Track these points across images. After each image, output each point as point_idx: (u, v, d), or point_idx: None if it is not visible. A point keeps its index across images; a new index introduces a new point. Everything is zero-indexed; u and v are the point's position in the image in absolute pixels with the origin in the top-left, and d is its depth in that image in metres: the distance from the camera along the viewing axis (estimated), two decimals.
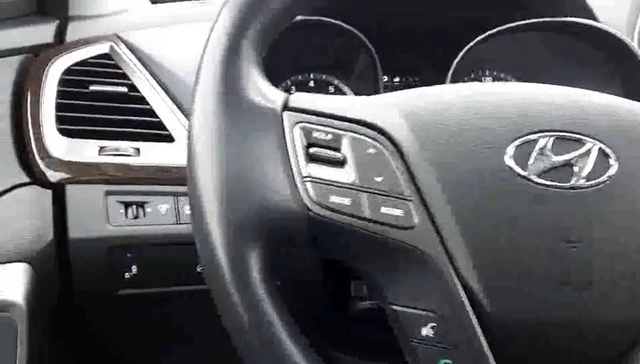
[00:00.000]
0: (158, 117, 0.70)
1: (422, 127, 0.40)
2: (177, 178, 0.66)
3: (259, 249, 0.38)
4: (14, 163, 0.62)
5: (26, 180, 0.61)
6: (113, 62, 0.73)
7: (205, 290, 0.68)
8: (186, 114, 0.71)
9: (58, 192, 0.62)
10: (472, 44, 0.76)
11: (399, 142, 0.40)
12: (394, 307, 0.40)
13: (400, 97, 0.43)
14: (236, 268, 0.38)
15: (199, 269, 0.65)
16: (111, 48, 0.74)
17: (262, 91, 0.42)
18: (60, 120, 0.66)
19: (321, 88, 0.88)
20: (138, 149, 0.67)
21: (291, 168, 0.39)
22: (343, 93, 0.88)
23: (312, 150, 0.40)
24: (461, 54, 0.76)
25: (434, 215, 0.39)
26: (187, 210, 0.65)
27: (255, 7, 0.42)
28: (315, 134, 0.40)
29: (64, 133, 0.65)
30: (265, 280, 0.38)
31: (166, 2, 1.10)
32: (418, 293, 0.39)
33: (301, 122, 0.40)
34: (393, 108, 0.41)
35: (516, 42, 0.79)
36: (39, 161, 0.62)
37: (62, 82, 0.69)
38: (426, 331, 0.39)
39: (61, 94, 0.68)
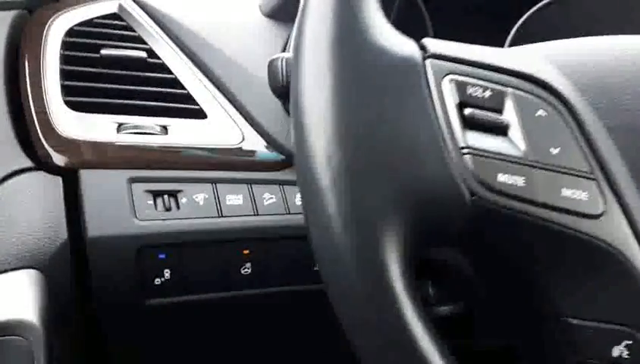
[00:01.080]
0: (185, 89, 0.58)
1: (601, 85, 0.31)
2: (214, 162, 0.55)
3: (399, 236, 0.28)
4: (11, 144, 0.49)
5: (29, 164, 0.49)
6: (124, 23, 0.60)
7: (254, 295, 0.58)
8: (218, 85, 0.59)
9: (70, 179, 0.50)
10: (534, 9, 0.67)
11: (574, 104, 0.30)
12: (573, 321, 0.30)
13: (559, 48, 0.33)
14: (368, 258, 0.27)
15: (244, 272, 0.54)
16: (120, 7, 0.61)
17: (390, 34, 0.31)
18: (67, 90, 0.53)
19: None
20: (165, 127, 0.55)
21: (443, 136, 0.29)
22: None
23: (467, 112, 0.30)
24: (523, 18, 0.68)
25: (625, 200, 0.29)
26: (229, 200, 0.54)
27: None
28: (470, 90, 0.30)
29: (73, 106, 0.52)
30: (403, 274, 0.28)
31: None
32: (608, 301, 0.30)
33: (451, 73, 0.30)
34: (559, 61, 0.32)
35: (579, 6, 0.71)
36: (44, 141, 0.49)
37: (66, 45, 0.56)
38: (618, 350, 0.29)
39: (65, 59, 0.55)
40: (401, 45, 0.31)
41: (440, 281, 0.61)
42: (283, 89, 0.46)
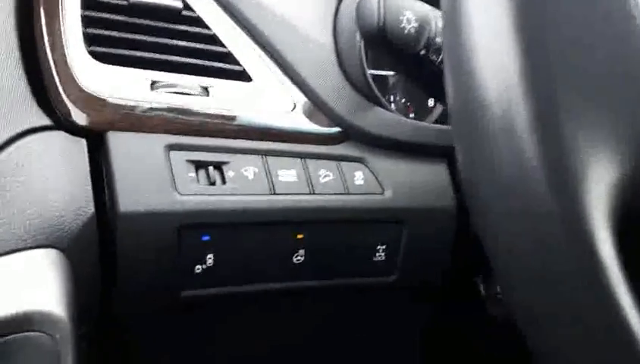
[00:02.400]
0: (226, 47, 0.49)
1: None
2: (264, 132, 0.47)
3: (614, 209, 0.21)
4: (23, 96, 0.40)
5: (46, 122, 0.40)
6: None
7: (306, 288, 0.50)
8: (264, 44, 0.51)
9: (96, 142, 0.41)
10: None
11: None
12: None
13: None
14: (578, 235, 0.20)
15: (296, 260, 0.46)
16: None
17: None
18: (89, 39, 0.44)
19: None
20: (206, 89, 0.46)
21: None
22: None
23: None
24: None
25: None
26: (281, 176, 0.45)
27: None
28: None
29: (98, 57, 0.43)
30: (617, 255, 0.21)
31: None
32: None
33: None
34: None
35: None
36: (64, 95, 0.40)
37: None
38: None
39: (87, 4, 0.46)
40: None
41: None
42: (379, 30, 0.38)
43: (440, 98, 0.48)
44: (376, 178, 0.49)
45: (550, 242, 0.20)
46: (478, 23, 0.22)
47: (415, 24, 0.38)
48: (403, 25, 0.38)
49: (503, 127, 0.21)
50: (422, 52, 0.39)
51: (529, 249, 0.21)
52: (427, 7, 0.40)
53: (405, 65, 0.42)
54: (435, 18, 0.42)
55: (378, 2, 0.39)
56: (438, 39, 0.40)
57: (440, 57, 0.40)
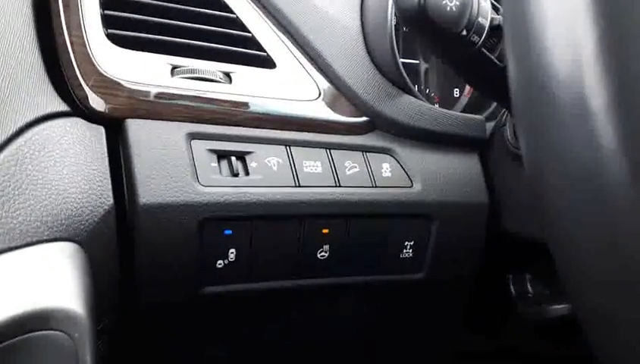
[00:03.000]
0: (250, 32, 0.47)
1: None
2: (289, 120, 0.45)
3: None
4: (40, 80, 0.38)
5: (63, 108, 0.38)
6: None
7: (329, 285, 0.48)
8: (288, 29, 0.48)
9: (115, 130, 0.39)
10: None
11: None
12: None
13: None
14: None
15: (320, 255, 0.44)
16: None
17: None
18: (108, 21, 0.42)
19: None
20: (229, 75, 0.44)
21: None
22: None
23: None
24: None
25: None
26: (306, 167, 0.43)
27: None
28: None
29: (117, 40, 0.41)
30: None
31: None
32: None
33: None
34: None
35: None
36: (82, 80, 0.38)
37: None
38: None
39: None
40: None
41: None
42: (420, 7, 0.36)
43: (477, 84, 0.46)
44: (404, 170, 0.47)
45: (630, 240, 0.18)
46: None
47: (457, 2, 0.36)
48: (444, 2, 0.35)
49: (577, 108, 0.18)
50: (463, 33, 0.37)
51: (606, 247, 0.19)
52: None
53: (441, 47, 0.40)
54: None
55: None
56: (481, 19, 0.37)
57: (482, 38, 0.38)
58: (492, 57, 0.39)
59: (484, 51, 0.39)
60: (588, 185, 0.19)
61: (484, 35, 0.38)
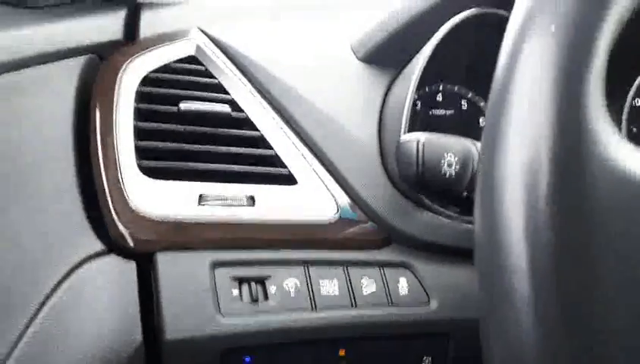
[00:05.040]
0: (273, 149, 0.50)
1: None
2: (307, 240, 0.47)
3: None
4: (80, 222, 0.42)
5: (100, 247, 0.42)
6: (202, 68, 0.53)
7: None
8: (309, 144, 0.51)
9: (145, 264, 0.43)
10: None
11: None
12: None
13: None
14: None
15: None
16: (198, 48, 0.54)
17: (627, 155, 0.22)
18: (141, 153, 0.46)
19: (452, 103, 0.69)
20: (252, 198, 0.47)
21: None
22: (479, 109, 0.68)
23: None
24: None
25: None
26: (323, 288, 0.45)
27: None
28: None
29: (149, 172, 0.45)
30: None
31: None
32: None
33: None
34: None
35: None
36: (117, 220, 0.42)
37: (141, 96, 0.49)
38: None
39: (140, 114, 0.48)
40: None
41: None
42: (418, 177, 0.37)
43: None
44: (421, 285, 0.48)
45: None
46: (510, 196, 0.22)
47: (457, 166, 0.37)
48: (443, 170, 0.37)
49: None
50: (465, 194, 0.38)
51: None
52: (468, 144, 0.38)
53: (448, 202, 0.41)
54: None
55: (417, 148, 0.38)
56: None
57: None
58: None
59: None
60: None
61: None
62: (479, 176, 0.24)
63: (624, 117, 0.54)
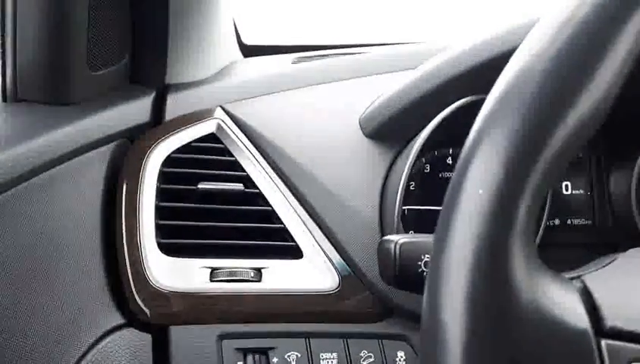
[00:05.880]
0: (283, 223, 0.54)
1: None
2: (309, 313, 0.50)
3: None
4: (104, 297, 0.47)
5: (121, 321, 0.47)
6: (221, 146, 0.58)
7: None
8: (316, 219, 0.54)
9: (160, 336, 0.47)
10: None
11: None
12: None
13: None
14: None
15: None
16: (218, 126, 0.59)
17: (552, 294, 0.25)
18: (161, 231, 0.51)
19: None
20: (259, 271, 0.51)
21: None
22: None
23: None
24: None
25: None
26: (323, 360, 0.49)
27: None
28: None
29: (167, 250, 0.50)
30: None
31: (258, 55, 0.97)
32: None
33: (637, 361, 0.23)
34: None
35: None
36: (137, 295, 0.47)
37: (164, 176, 0.54)
38: None
39: (162, 194, 0.53)
40: (567, 313, 0.24)
41: None
42: (396, 278, 0.40)
43: None
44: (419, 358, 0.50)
45: None
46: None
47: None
48: (420, 270, 0.40)
49: None
50: None
51: None
52: None
53: None
54: None
55: (394, 250, 0.41)
56: None
57: None
58: None
59: None
60: None
61: None
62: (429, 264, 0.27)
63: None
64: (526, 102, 0.25)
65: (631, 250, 0.29)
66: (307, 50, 0.96)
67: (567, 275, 0.28)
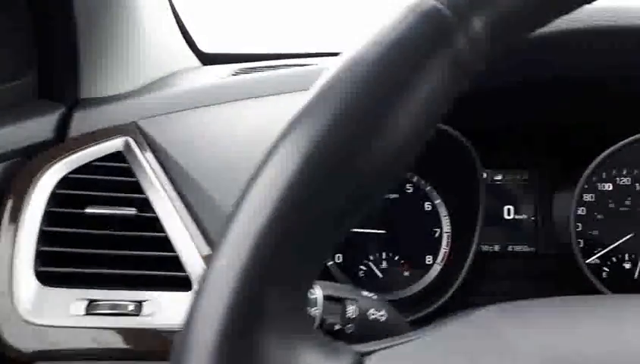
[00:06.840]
0: (175, 251, 0.50)
1: None
2: None
3: None
4: None
5: None
6: (125, 165, 0.54)
7: None
8: (212, 245, 0.51)
9: None
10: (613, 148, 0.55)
11: None
12: None
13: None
14: None
15: None
16: (126, 144, 0.56)
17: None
18: (42, 258, 0.48)
19: (397, 186, 0.66)
20: (140, 304, 0.48)
21: None
22: (433, 198, 0.65)
23: None
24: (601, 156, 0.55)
25: None
26: None
27: None
28: None
29: (44, 278, 0.47)
30: None
31: (220, 64, 0.94)
32: None
33: None
34: None
35: None
36: (4, 330, 0.45)
37: (54, 199, 0.51)
38: None
39: (49, 218, 0.50)
40: None
41: None
42: (322, 328, 0.39)
43: None
44: None
45: None
46: None
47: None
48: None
49: None
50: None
51: None
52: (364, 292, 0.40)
53: None
54: None
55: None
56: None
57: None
58: None
59: None
60: None
61: None
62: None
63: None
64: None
65: (431, 327, 0.25)
66: (272, 58, 0.92)
67: (363, 349, 0.24)
